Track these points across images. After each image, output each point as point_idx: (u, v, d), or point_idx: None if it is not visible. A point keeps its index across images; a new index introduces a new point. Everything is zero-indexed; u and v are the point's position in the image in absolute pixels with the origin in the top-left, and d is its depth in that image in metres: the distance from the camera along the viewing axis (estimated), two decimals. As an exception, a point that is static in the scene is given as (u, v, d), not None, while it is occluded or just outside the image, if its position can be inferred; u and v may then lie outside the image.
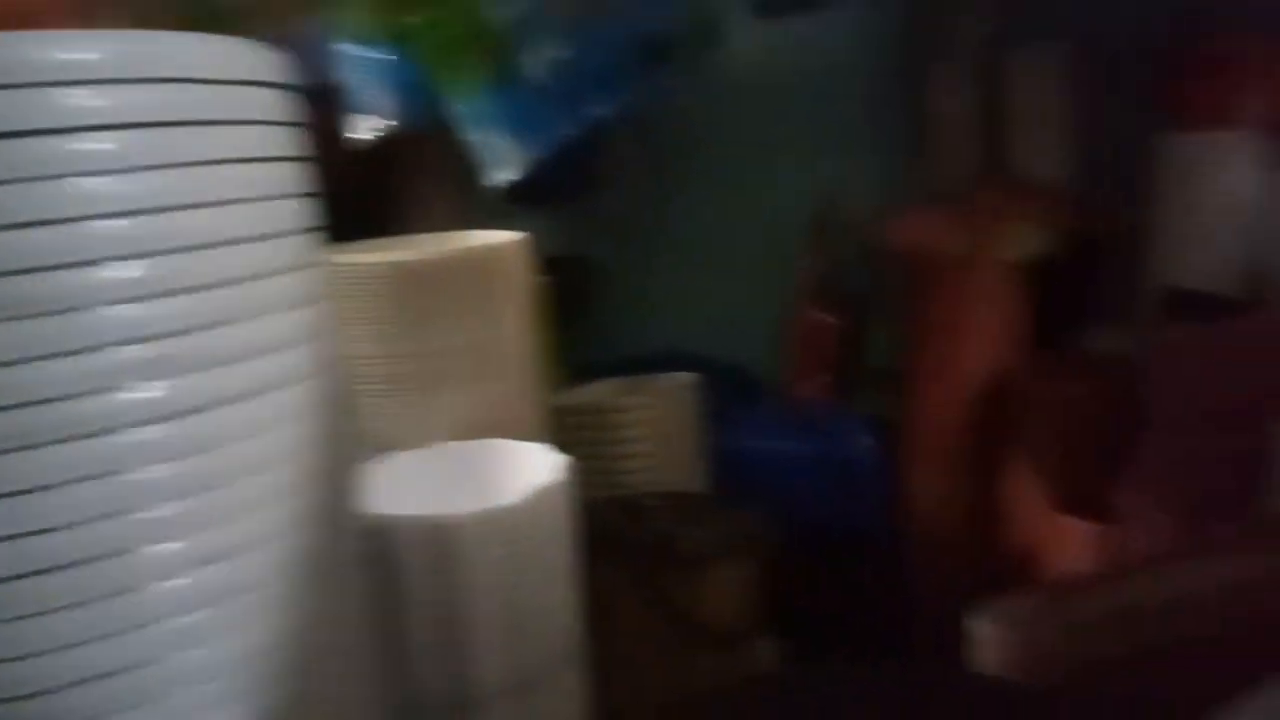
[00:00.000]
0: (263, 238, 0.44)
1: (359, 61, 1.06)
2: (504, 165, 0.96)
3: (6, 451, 0.36)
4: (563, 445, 0.75)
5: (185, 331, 0.40)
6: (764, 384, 1.23)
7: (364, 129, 1.10)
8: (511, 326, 0.81)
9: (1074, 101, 1.04)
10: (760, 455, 1.09)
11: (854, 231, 1.14)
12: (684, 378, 0.95)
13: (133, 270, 0.39)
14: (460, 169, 1.06)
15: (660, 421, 0.90)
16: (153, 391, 0.39)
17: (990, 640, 0.64)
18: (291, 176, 0.47)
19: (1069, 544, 0.83)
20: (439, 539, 0.61)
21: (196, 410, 0.41)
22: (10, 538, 0.37)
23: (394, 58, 1.04)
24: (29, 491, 0.37)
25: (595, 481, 0.87)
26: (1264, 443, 0.67)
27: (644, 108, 1.06)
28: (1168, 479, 0.71)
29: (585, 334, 1.33)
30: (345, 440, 0.51)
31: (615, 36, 0.91)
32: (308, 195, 0.49)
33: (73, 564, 0.38)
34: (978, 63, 1.08)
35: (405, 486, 0.68)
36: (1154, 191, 0.92)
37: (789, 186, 1.21)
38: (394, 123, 1.08)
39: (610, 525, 0.77)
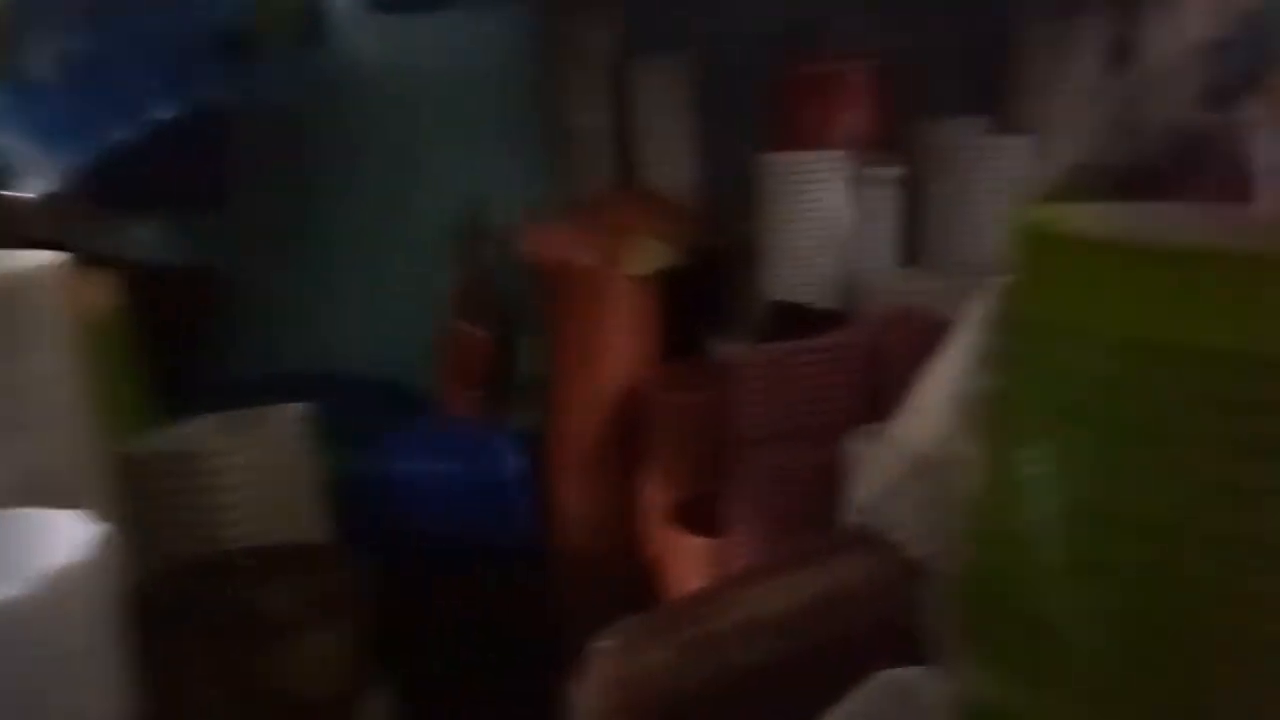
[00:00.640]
0: None
1: None
2: (34, 172, 0.82)
3: None
4: (141, 501, 0.64)
5: None
6: (419, 400, 1.17)
7: None
8: (49, 366, 0.68)
9: (696, 116, 1.07)
10: (404, 480, 1.03)
11: (502, 241, 1.11)
12: (295, 410, 0.86)
13: None
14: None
15: (263, 465, 0.81)
16: None
17: (594, 667, 0.62)
18: None
19: (684, 558, 0.84)
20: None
21: None
22: None
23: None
24: None
25: (183, 539, 0.77)
26: (841, 457, 0.70)
27: (239, 104, 0.95)
28: (756, 494, 0.73)
29: (206, 356, 1.20)
30: None
31: (149, 28, 0.80)
32: None
33: None
34: (607, 75, 1.08)
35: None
36: (761, 207, 0.96)
37: (438, 192, 1.16)
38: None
39: (183, 594, 0.68)
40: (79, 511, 0.62)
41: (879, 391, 0.74)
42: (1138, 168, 0.68)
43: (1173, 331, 0.27)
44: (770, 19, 1.04)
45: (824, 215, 0.94)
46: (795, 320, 0.90)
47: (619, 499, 0.98)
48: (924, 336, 0.64)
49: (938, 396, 0.58)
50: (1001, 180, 0.89)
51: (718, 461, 0.83)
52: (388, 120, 1.17)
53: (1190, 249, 0.27)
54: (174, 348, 1.17)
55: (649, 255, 0.98)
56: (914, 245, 0.96)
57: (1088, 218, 0.33)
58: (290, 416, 0.86)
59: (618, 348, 0.99)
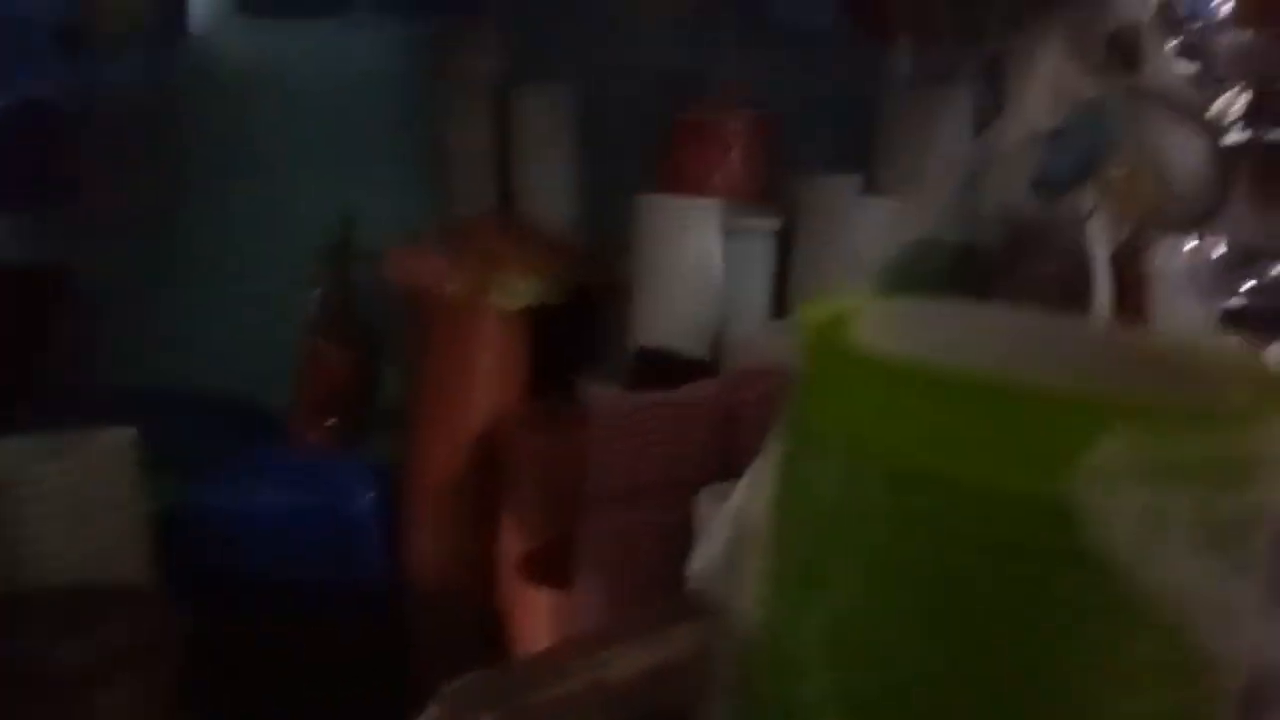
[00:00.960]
0: None
1: None
2: None
3: None
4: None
5: None
6: (271, 423, 1.11)
7: None
8: None
9: (578, 150, 1.05)
10: (243, 511, 0.97)
11: (370, 262, 1.06)
12: (120, 435, 0.80)
13: None
14: None
15: (76, 495, 0.75)
16: None
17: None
18: None
19: (532, 611, 0.82)
20: None
21: None
22: None
23: None
24: None
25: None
26: (689, 518, 0.69)
27: (79, 99, 0.89)
28: (601, 552, 0.71)
29: (48, 363, 1.11)
30: None
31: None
32: None
33: None
34: (490, 100, 1.05)
35: None
36: (635, 249, 0.95)
37: (307, 207, 1.10)
38: None
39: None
40: None
41: (732, 450, 0.73)
42: (974, 250, 0.70)
43: (932, 462, 0.26)
44: (658, 61, 1.03)
45: (697, 262, 0.93)
46: (661, 367, 0.89)
47: (475, 541, 0.95)
48: (780, 395, 0.64)
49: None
50: (869, 239, 0.90)
51: (573, 511, 0.81)
52: (258, 128, 1.11)
53: (957, 378, 0.26)
54: (14, 352, 1.09)
55: (519, 288, 0.95)
56: (785, 299, 0.97)
57: (880, 321, 0.32)
58: (114, 441, 0.80)
59: (481, 382, 0.96)
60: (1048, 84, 0.67)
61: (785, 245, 0.97)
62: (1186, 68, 0.94)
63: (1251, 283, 1.04)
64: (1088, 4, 0.68)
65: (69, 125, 0.95)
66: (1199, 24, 0.98)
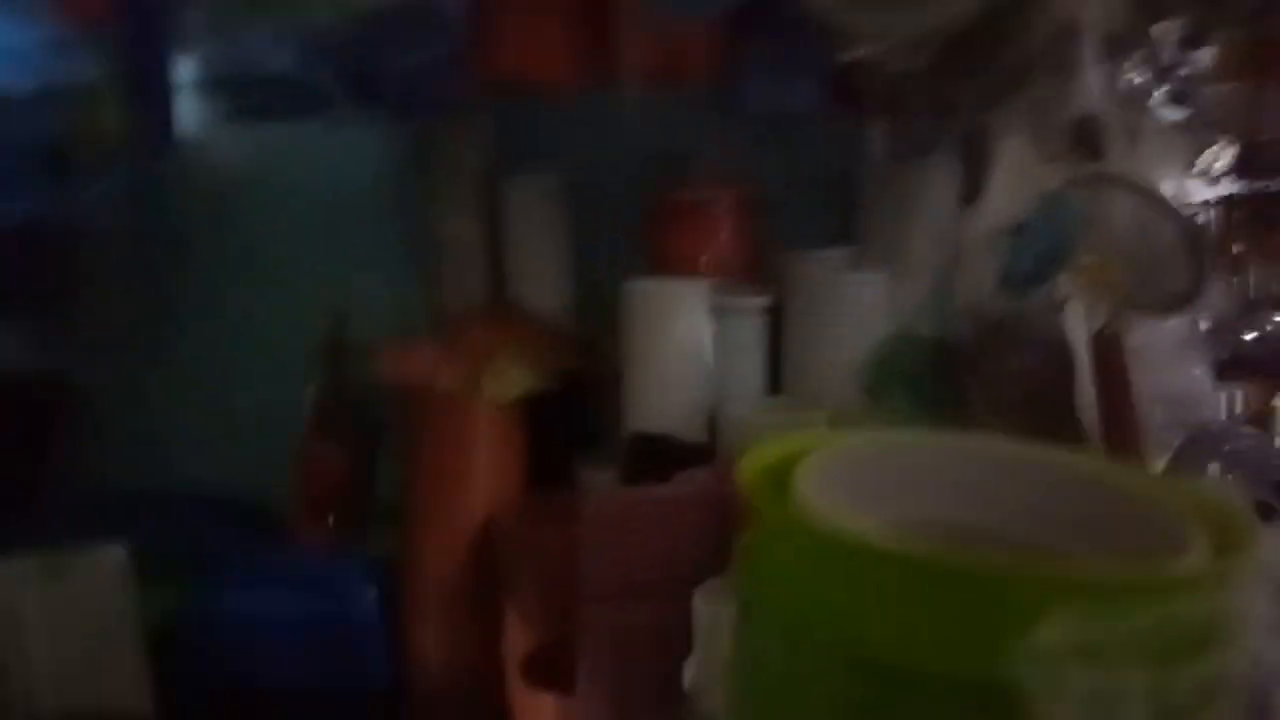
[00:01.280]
0: None
1: None
2: None
3: None
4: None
5: None
6: (269, 525, 1.10)
7: None
8: None
9: (567, 236, 1.06)
10: (243, 616, 0.96)
11: (363, 359, 1.06)
12: (113, 553, 0.80)
13: None
14: None
15: (70, 617, 0.74)
16: None
17: None
18: None
19: (538, 714, 0.80)
20: None
21: None
22: None
23: None
24: None
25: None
26: (687, 615, 0.67)
27: (71, 216, 0.91)
28: (599, 654, 0.69)
29: (50, 470, 1.11)
30: None
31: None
32: None
33: None
34: (479, 190, 1.06)
35: None
36: (625, 333, 0.95)
37: (300, 305, 1.11)
38: None
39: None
40: None
41: (729, 541, 0.71)
42: (947, 345, 0.69)
43: (874, 647, 0.24)
44: (643, 145, 1.04)
45: (687, 344, 0.93)
46: (657, 453, 0.88)
47: (478, 640, 0.93)
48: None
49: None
50: (858, 314, 0.90)
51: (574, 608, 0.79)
52: (248, 231, 1.12)
53: (896, 557, 0.25)
54: (14, 462, 1.09)
55: (513, 380, 0.95)
56: (780, 376, 0.96)
57: (827, 467, 0.31)
58: (106, 561, 0.79)
59: (478, 476, 0.95)
60: (1012, 175, 0.67)
61: (777, 323, 0.97)
62: (1175, 113, 0.94)
63: (1253, 334, 1.02)
64: (1049, 94, 0.68)
65: (62, 239, 0.97)
66: (1185, 71, 0.98)
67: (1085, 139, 0.69)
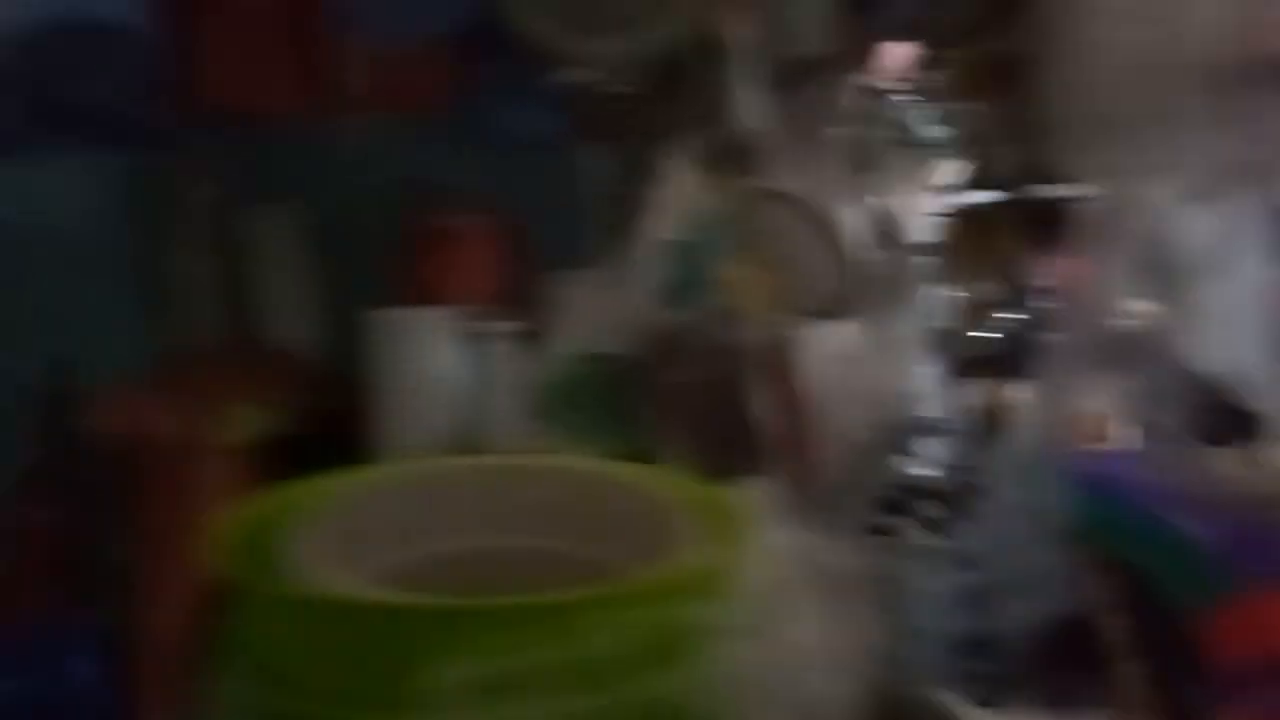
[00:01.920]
0: None
1: None
2: None
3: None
4: None
5: None
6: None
7: None
8: None
9: (310, 269, 1.01)
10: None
11: (84, 410, 0.97)
12: None
13: None
14: None
15: None
16: None
17: None
18: None
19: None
20: None
21: None
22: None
23: None
24: None
25: None
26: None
27: None
28: None
29: None
30: None
31: None
32: None
33: None
34: (210, 226, 1.00)
35: None
36: (373, 365, 0.90)
37: (16, 353, 1.00)
38: None
39: None
40: None
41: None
42: (625, 363, 0.69)
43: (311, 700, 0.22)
44: (387, 173, 1.01)
45: (436, 371, 0.90)
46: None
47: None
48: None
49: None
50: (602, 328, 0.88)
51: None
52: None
53: (322, 603, 0.23)
54: None
55: (243, 421, 0.88)
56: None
57: (315, 517, 0.28)
58: None
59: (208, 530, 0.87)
60: (672, 195, 0.68)
61: (532, 346, 0.95)
62: (909, 131, 0.97)
63: (984, 334, 1.08)
64: (703, 116, 0.70)
65: None
66: (914, 90, 1.02)
67: (735, 157, 0.71)
